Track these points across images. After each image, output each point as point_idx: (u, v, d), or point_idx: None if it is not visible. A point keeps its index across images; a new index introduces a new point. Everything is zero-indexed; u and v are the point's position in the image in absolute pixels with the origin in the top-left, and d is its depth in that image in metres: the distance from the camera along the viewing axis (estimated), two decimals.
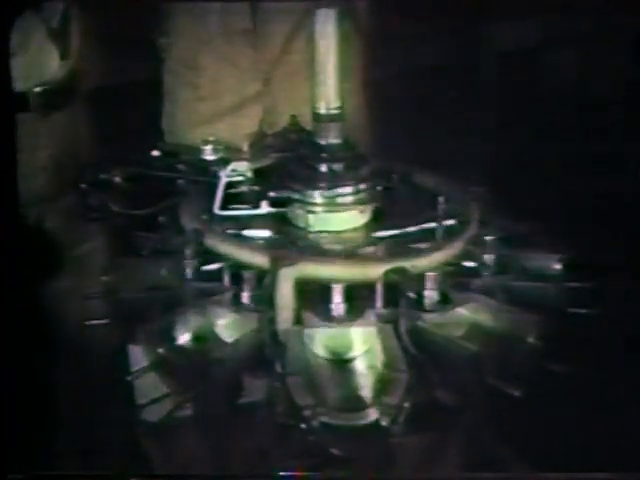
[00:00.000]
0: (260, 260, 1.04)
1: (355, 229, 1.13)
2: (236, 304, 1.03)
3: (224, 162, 1.21)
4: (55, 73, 1.47)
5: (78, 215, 1.31)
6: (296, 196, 1.12)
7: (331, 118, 1.12)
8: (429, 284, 1.04)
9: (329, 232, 1.11)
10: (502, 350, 1.02)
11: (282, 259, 1.01)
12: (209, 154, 1.26)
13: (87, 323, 1.06)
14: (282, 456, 1.04)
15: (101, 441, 1.27)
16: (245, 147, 1.22)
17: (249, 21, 1.63)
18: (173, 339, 1.02)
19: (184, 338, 1.02)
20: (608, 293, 1.12)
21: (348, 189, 1.12)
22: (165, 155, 1.31)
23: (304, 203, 1.11)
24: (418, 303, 1.03)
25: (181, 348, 1.02)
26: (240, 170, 1.19)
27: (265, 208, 1.15)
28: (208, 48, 1.63)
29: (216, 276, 1.08)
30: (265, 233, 1.11)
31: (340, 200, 1.11)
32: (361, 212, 1.13)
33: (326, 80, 1.11)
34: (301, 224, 1.12)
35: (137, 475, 1.07)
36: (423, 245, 1.09)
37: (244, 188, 1.19)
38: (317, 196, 1.11)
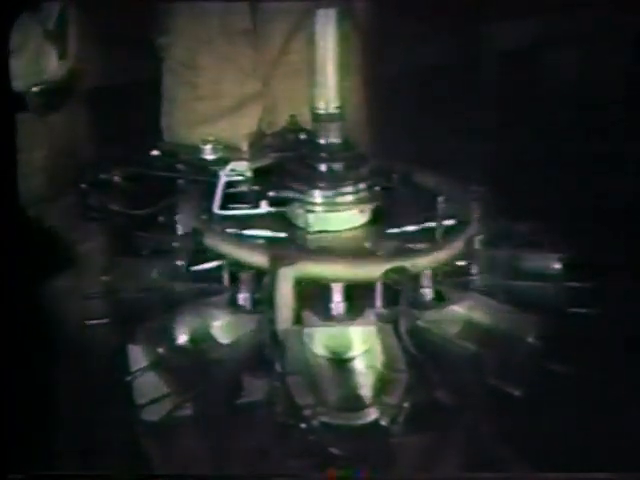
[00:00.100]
0: (260, 260, 1.04)
1: (355, 229, 1.12)
2: (233, 306, 1.03)
3: (224, 162, 1.21)
4: (53, 73, 1.47)
5: (78, 215, 1.31)
6: (296, 196, 1.12)
7: (331, 118, 1.12)
8: (424, 281, 1.04)
9: (329, 232, 1.11)
10: (502, 350, 1.02)
11: (282, 259, 1.01)
12: (209, 154, 1.26)
13: (87, 323, 1.06)
14: (282, 456, 1.03)
15: (101, 441, 1.27)
16: (245, 147, 1.22)
17: (249, 21, 1.62)
18: (173, 339, 1.02)
19: (184, 338, 1.02)
20: (608, 293, 1.12)
21: (348, 189, 1.12)
22: (165, 155, 1.31)
23: (304, 203, 1.11)
24: (413, 300, 1.03)
25: (181, 348, 1.02)
26: (240, 170, 1.19)
27: (265, 208, 1.15)
28: (208, 48, 1.63)
29: (216, 276, 1.08)
30: (265, 233, 1.11)
31: (340, 200, 1.11)
32: (361, 212, 1.13)
33: (326, 80, 1.11)
34: (301, 224, 1.12)
35: (137, 475, 1.07)
36: (423, 245, 1.09)
37: (244, 188, 1.19)
38: (317, 196, 1.11)
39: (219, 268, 1.08)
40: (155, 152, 1.31)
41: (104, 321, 1.06)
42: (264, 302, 1.01)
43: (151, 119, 1.68)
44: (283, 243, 1.09)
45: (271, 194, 1.14)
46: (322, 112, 1.12)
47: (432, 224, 1.11)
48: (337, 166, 1.13)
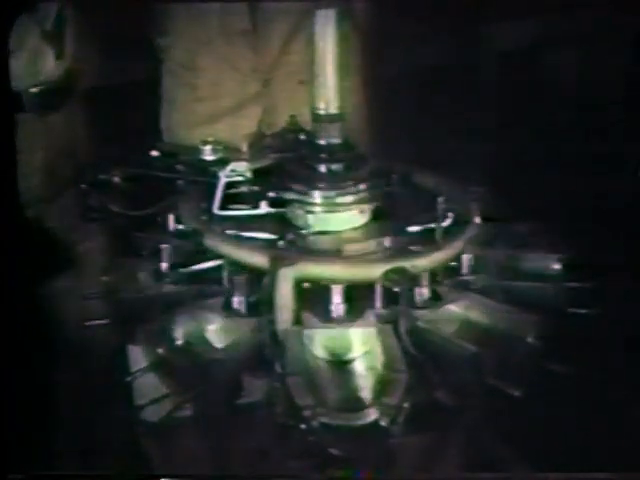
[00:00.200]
0: (259, 260, 1.04)
1: (355, 229, 1.13)
2: (228, 309, 1.03)
3: (223, 162, 1.21)
4: (50, 73, 1.47)
5: (77, 215, 1.31)
6: (296, 196, 1.12)
7: (330, 118, 1.12)
8: (423, 282, 1.04)
9: (329, 232, 1.11)
10: (502, 350, 1.02)
11: (282, 259, 1.01)
12: (208, 154, 1.26)
13: (87, 323, 1.06)
14: (282, 456, 1.03)
15: (101, 441, 1.27)
16: (244, 147, 1.22)
17: (248, 22, 1.63)
18: (173, 340, 1.02)
19: (183, 338, 1.02)
20: (608, 293, 1.12)
21: (348, 189, 1.12)
22: (164, 155, 1.31)
23: (304, 203, 1.11)
24: (413, 301, 1.03)
25: (181, 348, 1.02)
26: (239, 170, 1.19)
27: (264, 208, 1.15)
28: (207, 49, 1.63)
29: (215, 277, 1.08)
30: (264, 233, 1.11)
31: (340, 200, 1.11)
32: (361, 212, 1.13)
33: (325, 80, 1.11)
34: (301, 224, 1.12)
35: (137, 475, 1.07)
36: (423, 245, 1.09)
37: (243, 188, 1.19)
38: (317, 196, 1.11)
39: (219, 268, 1.09)
40: (155, 153, 1.31)
41: (104, 321, 1.06)
42: (264, 303, 1.01)
43: (151, 120, 1.67)
44: (283, 244, 1.09)
45: (271, 195, 1.14)
46: (322, 113, 1.12)
47: (432, 224, 1.11)
48: (337, 167, 1.13)
